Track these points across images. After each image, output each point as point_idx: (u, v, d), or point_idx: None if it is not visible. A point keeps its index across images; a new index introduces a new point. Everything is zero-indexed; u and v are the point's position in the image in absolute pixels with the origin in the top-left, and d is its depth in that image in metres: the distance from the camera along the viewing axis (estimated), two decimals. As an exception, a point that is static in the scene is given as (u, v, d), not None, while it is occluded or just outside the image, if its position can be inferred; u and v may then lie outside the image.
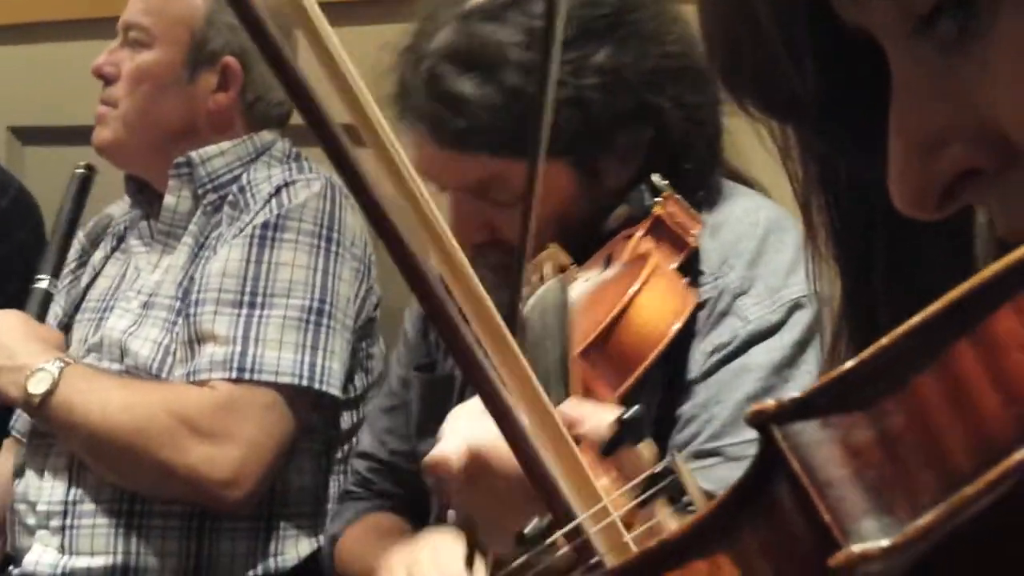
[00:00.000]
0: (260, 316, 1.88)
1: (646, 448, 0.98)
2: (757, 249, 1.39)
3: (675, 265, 1.32)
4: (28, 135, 2.87)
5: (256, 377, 1.86)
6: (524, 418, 0.48)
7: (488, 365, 0.48)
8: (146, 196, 2.14)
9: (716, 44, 0.57)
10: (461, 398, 1.58)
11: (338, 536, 1.81)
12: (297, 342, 1.88)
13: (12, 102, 2.67)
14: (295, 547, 1.97)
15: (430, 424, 1.66)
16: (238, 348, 1.86)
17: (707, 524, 0.40)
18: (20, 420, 2.11)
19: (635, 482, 0.74)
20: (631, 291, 1.21)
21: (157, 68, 2.03)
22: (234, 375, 1.85)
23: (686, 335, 1.30)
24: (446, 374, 1.66)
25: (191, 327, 1.91)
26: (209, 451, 1.84)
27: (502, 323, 0.46)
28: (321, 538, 1.96)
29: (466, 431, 1.08)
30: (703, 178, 1.46)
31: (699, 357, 1.34)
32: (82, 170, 2.17)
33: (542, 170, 1.10)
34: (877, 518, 0.36)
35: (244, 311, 1.88)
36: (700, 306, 1.35)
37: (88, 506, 1.94)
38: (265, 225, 1.92)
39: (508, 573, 0.61)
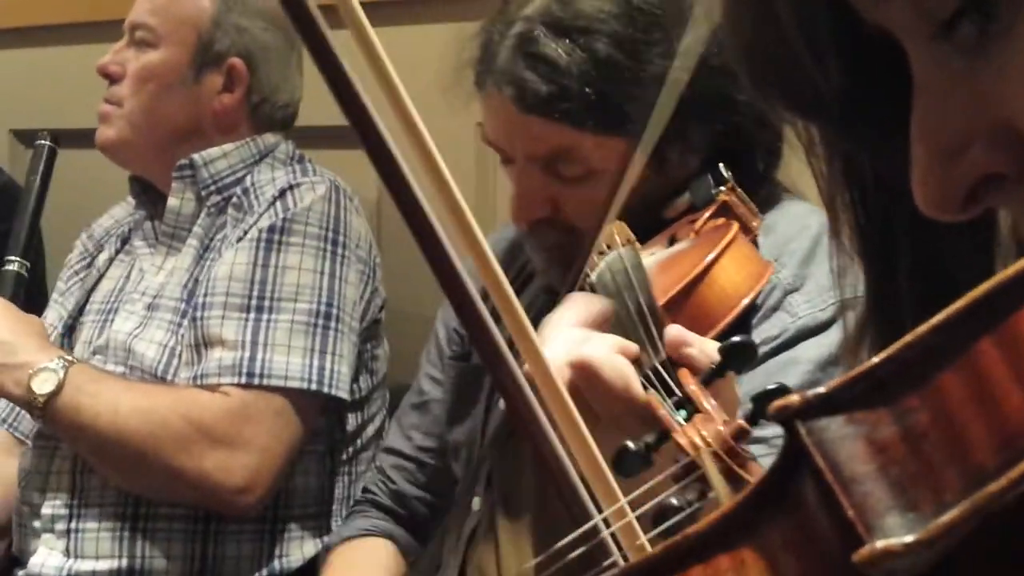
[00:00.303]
0: (268, 320, 1.88)
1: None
2: (810, 250, 1.39)
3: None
4: (31, 138, 2.88)
5: (266, 382, 1.85)
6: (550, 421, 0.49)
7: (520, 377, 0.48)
8: (150, 197, 2.14)
9: (740, 44, 0.58)
10: (492, 390, 1.60)
11: (333, 545, 1.83)
12: (305, 346, 1.88)
13: (14, 105, 2.67)
14: (300, 549, 1.97)
15: (459, 412, 1.67)
16: (247, 353, 1.86)
17: (732, 519, 0.40)
18: (24, 421, 2.12)
19: (661, 478, 0.75)
20: (716, 251, 1.21)
21: (163, 68, 2.04)
22: (243, 380, 1.85)
23: (746, 320, 1.31)
24: (479, 364, 1.63)
25: (198, 331, 1.91)
26: (223, 457, 1.84)
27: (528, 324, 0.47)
28: (326, 539, 1.96)
29: (568, 342, 1.09)
30: (762, 178, 1.46)
31: (744, 322, 1.33)
32: (45, 141, 2.16)
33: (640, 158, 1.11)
34: (901, 514, 0.36)
35: (252, 315, 1.88)
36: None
37: (93, 510, 1.93)
38: (271, 228, 1.92)
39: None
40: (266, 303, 1.89)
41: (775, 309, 1.36)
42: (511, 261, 1.65)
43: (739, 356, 0.97)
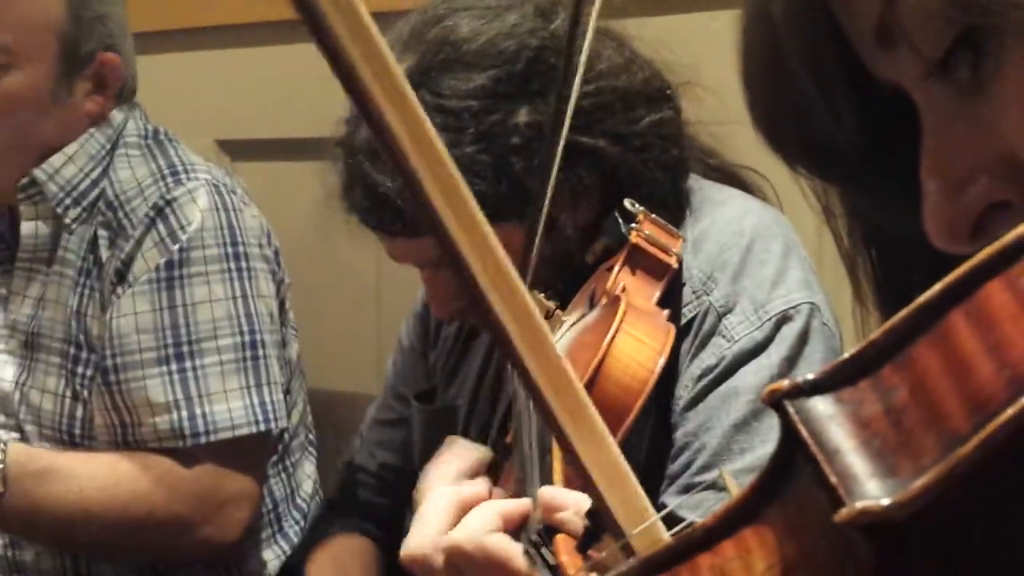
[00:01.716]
0: (194, 368, 1.73)
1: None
2: (741, 261, 1.38)
3: (657, 293, 1.30)
4: None
5: (213, 438, 1.73)
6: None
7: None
8: None
9: (758, 105, 0.62)
10: (466, 429, 1.58)
11: (314, 544, 1.78)
12: (241, 386, 1.75)
13: None
14: (257, 557, 1.90)
15: (431, 455, 1.68)
16: (184, 412, 1.72)
17: (737, 507, 0.44)
18: None
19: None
20: (606, 341, 1.19)
21: (28, 91, 1.77)
22: (189, 443, 1.72)
23: (672, 363, 1.27)
24: (449, 405, 1.64)
25: (116, 396, 1.74)
26: (215, 526, 1.76)
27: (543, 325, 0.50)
28: (282, 543, 1.93)
29: (443, 524, 1.10)
30: (669, 195, 1.43)
31: (688, 382, 1.33)
32: None
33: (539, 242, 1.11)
34: (882, 480, 0.39)
35: (175, 367, 1.73)
36: (686, 328, 1.34)
37: (28, 556, 1.84)
38: (168, 265, 1.73)
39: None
40: (185, 349, 1.73)
41: (711, 335, 1.35)
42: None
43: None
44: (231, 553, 1.83)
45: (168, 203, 1.75)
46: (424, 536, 1.10)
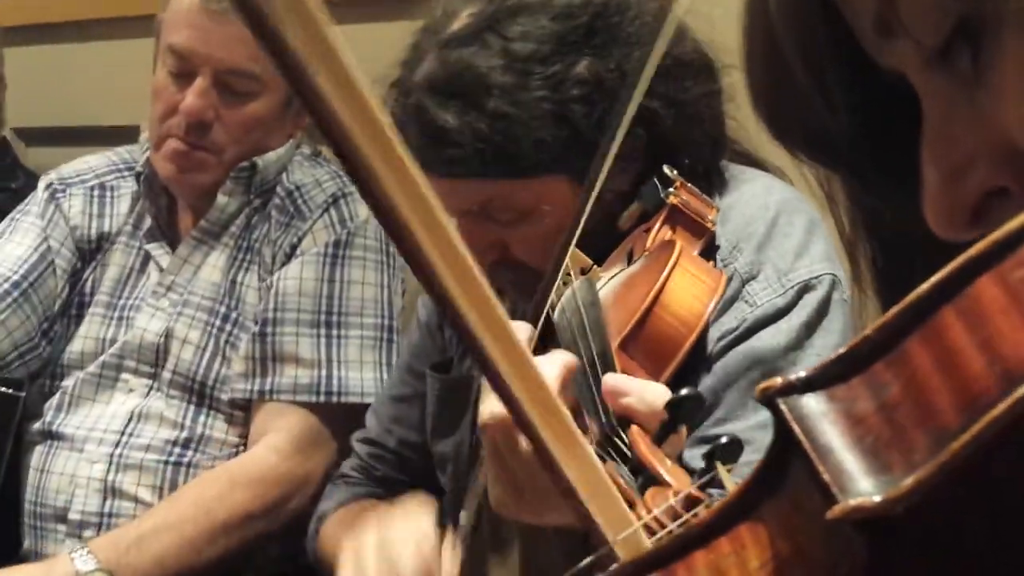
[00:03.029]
0: (340, 336, 2.01)
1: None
2: (766, 232, 1.42)
3: (697, 251, 1.35)
4: (31, 136, 2.96)
5: (343, 399, 2.00)
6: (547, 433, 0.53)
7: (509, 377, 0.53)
8: (155, 192, 2.19)
9: (757, 86, 0.63)
10: (479, 400, 1.63)
11: (326, 515, 1.83)
12: (374, 360, 2.02)
13: (15, 104, 2.71)
14: None
15: (445, 425, 1.69)
16: (323, 372, 2.00)
17: (733, 505, 0.45)
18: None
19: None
20: (662, 277, 1.23)
21: (268, 115, 2.09)
22: (322, 399, 2.00)
23: (705, 336, 1.32)
24: (464, 375, 1.69)
25: (267, 346, 2.01)
26: (299, 499, 1.98)
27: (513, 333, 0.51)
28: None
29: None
30: (708, 167, 1.48)
31: (708, 344, 1.36)
32: (5, 389, 2.04)
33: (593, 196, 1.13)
34: (875, 476, 0.40)
35: (323, 331, 2.01)
36: None
37: (124, 521, 2.01)
38: (337, 244, 2.03)
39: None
40: (335, 319, 2.02)
41: (734, 299, 1.38)
42: None
43: (688, 409, 0.98)
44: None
45: (344, 195, 2.08)
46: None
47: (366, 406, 1.96)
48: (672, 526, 0.82)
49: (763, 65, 0.62)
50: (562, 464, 0.52)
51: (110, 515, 2.03)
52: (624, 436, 1.03)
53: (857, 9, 0.57)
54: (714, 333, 1.36)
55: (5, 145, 2.68)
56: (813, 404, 0.43)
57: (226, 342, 2.05)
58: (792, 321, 1.37)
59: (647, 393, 1.04)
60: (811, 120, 0.60)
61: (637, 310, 1.22)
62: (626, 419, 1.05)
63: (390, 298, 2.06)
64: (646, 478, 0.94)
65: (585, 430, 1.10)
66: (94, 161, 2.31)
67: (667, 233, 1.36)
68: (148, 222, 2.20)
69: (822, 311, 1.38)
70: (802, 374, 0.43)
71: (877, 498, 0.40)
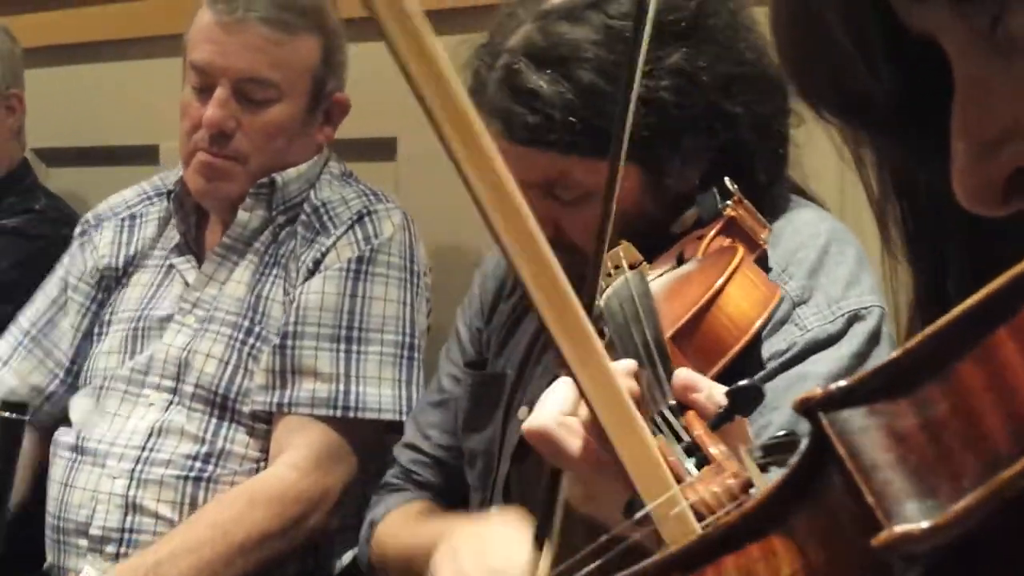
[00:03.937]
0: (360, 352, 2.03)
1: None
2: (818, 259, 1.42)
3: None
4: (51, 156, 2.97)
5: (360, 415, 2.01)
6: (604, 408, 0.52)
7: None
8: (186, 210, 2.23)
9: (788, 48, 0.61)
10: (512, 397, 1.64)
11: (377, 521, 1.83)
12: (394, 377, 2.04)
13: (36, 124, 2.73)
14: (339, 557, 2.09)
15: (477, 420, 1.70)
16: (342, 386, 2.01)
17: (763, 509, 0.43)
18: (39, 414, 2.21)
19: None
20: (723, 277, 1.24)
21: (289, 121, 2.13)
22: (339, 413, 2.01)
23: (755, 344, 1.32)
24: (497, 372, 1.70)
25: (288, 360, 2.02)
26: (318, 516, 2.00)
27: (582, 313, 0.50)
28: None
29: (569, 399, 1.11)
30: (768, 186, 1.49)
31: (757, 360, 1.36)
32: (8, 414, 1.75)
33: (622, 169, 1.14)
34: (920, 500, 0.38)
35: (343, 346, 2.02)
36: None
37: (145, 537, 2.02)
38: (360, 259, 2.05)
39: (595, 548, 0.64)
40: (355, 334, 2.03)
41: (783, 322, 1.38)
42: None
43: (746, 400, 0.99)
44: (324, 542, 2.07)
45: (369, 213, 2.10)
46: (553, 405, 1.10)
47: (385, 424, 2.01)
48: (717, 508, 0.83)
49: (796, 25, 0.60)
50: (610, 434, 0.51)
51: (130, 531, 2.03)
52: (680, 419, 1.04)
53: None
54: (763, 353, 1.37)
55: (26, 166, 2.69)
56: (856, 419, 0.41)
57: (249, 355, 2.07)
58: (843, 350, 1.37)
59: (715, 391, 1.05)
60: (846, 80, 0.58)
61: (693, 306, 1.23)
62: (683, 406, 1.06)
63: (412, 316, 2.07)
64: (699, 459, 0.95)
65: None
66: (128, 194, 2.36)
67: (724, 241, 1.37)
68: (176, 239, 2.24)
69: (873, 342, 1.39)
70: (843, 384, 0.41)
71: (925, 524, 0.38)
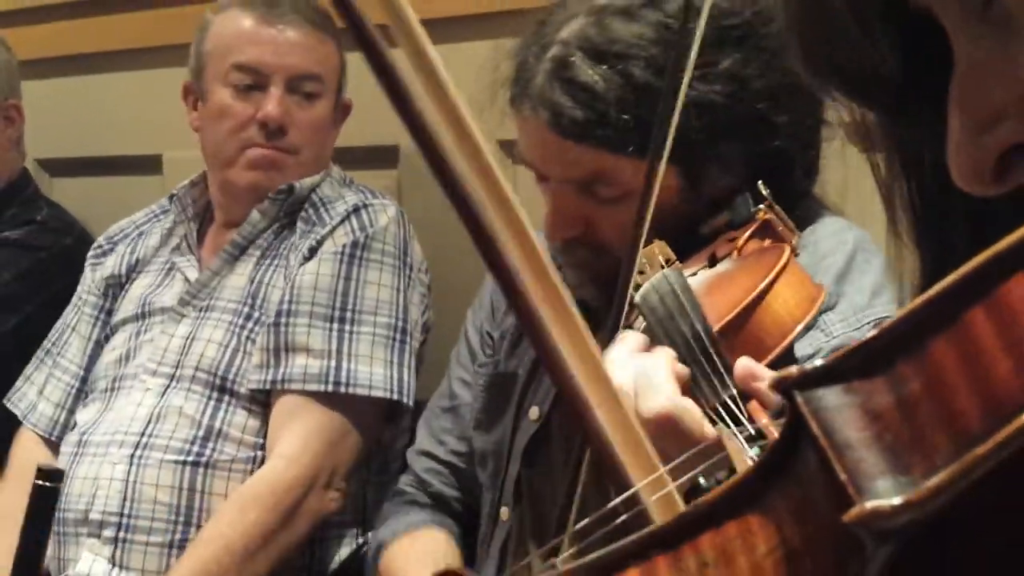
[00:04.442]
0: (352, 332, 2.09)
1: None
2: (845, 266, 1.43)
3: None
4: (55, 167, 3.00)
5: (351, 390, 2.06)
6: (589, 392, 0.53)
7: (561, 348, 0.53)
8: (197, 209, 2.35)
9: (794, 28, 0.62)
10: (523, 396, 1.65)
11: (384, 545, 1.85)
12: (385, 358, 2.09)
13: (38, 134, 2.77)
14: (337, 552, 2.14)
15: (487, 420, 1.71)
16: (333, 362, 2.07)
17: (741, 488, 0.44)
18: (43, 418, 2.30)
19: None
20: (771, 275, 1.24)
21: (330, 116, 2.27)
22: (330, 388, 2.06)
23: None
24: (509, 372, 1.71)
25: (281, 336, 2.09)
26: (316, 503, 2.04)
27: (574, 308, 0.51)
28: (359, 540, 2.14)
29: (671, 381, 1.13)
30: (801, 195, 1.50)
31: (791, 362, 1.34)
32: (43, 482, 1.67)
33: (663, 168, 1.14)
34: (892, 478, 0.39)
35: (336, 326, 2.09)
36: None
37: (143, 522, 2.06)
38: (354, 244, 2.13)
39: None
40: (348, 314, 2.10)
41: (810, 328, 1.36)
42: None
43: None
44: (322, 535, 2.11)
45: (365, 206, 2.18)
46: (664, 387, 1.11)
47: (381, 411, 2.08)
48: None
49: (803, 4, 0.61)
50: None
51: (128, 516, 2.07)
52: (744, 408, 1.06)
53: None
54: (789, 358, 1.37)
55: (26, 176, 2.71)
56: (830, 397, 0.41)
57: (248, 338, 2.14)
58: None
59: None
60: (853, 60, 0.59)
61: (740, 302, 1.23)
62: (744, 396, 1.08)
63: (405, 303, 2.14)
64: (763, 447, 0.96)
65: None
66: (139, 215, 2.47)
67: (762, 243, 1.38)
68: (176, 240, 2.34)
69: None
70: (819, 363, 0.42)
71: (896, 500, 0.39)
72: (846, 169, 1.63)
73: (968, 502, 0.39)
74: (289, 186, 2.22)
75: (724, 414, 1.06)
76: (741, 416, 1.04)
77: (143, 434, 2.11)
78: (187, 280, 2.26)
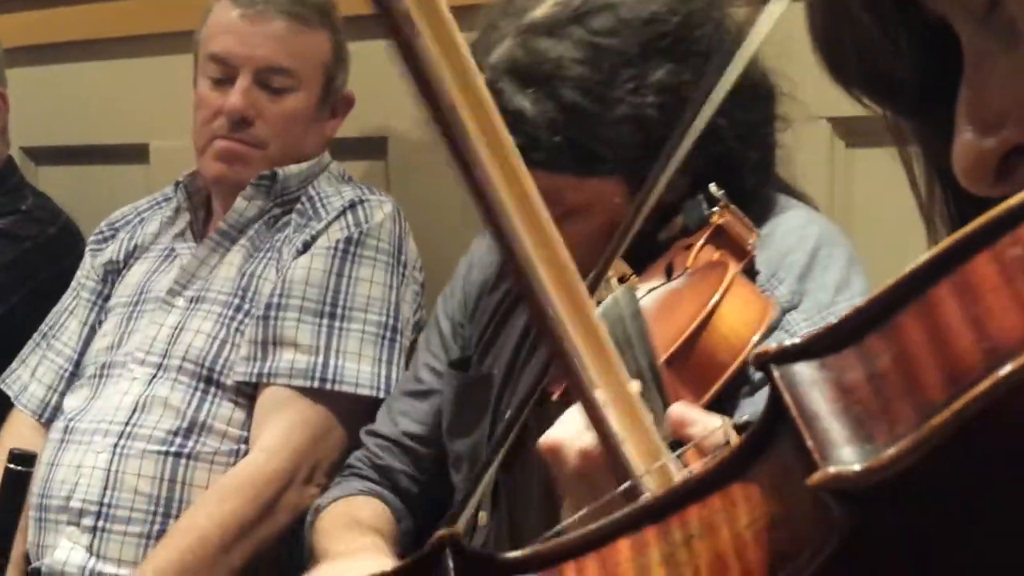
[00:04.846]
0: (341, 328, 2.10)
1: None
2: (807, 263, 1.43)
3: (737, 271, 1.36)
4: (41, 155, 3.02)
5: (337, 387, 2.07)
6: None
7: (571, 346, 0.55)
8: (195, 201, 2.36)
9: (819, 32, 0.65)
10: (499, 400, 1.65)
11: (321, 507, 1.86)
12: (373, 355, 2.10)
13: (24, 122, 2.78)
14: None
15: (463, 424, 1.71)
16: (320, 359, 2.08)
17: (728, 463, 0.47)
18: (33, 399, 2.33)
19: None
20: (714, 298, 1.24)
21: (305, 110, 2.25)
22: (316, 384, 2.07)
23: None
24: (484, 374, 1.71)
25: (269, 329, 2.10)
26: (296, 497, 2.04)
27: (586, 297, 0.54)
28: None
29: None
30: (755, 192, 1.50)
31: (750, 371, 1.35)
32: (15, 466, 1.76)
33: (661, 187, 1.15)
34: (858, 446, 0.42)
35: (326, 321, 2.10)
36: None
37: (123, 511, 2.08)
38: (348, 240, 2.14)
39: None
40: (339, 311, 2.11)
41: (774, 328, 1.38)
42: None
43: None
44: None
45: (361, 202, 2.19)
46: (569, 424, 1.14)
47: (366, 402, 2.05)
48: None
49: (825, 9, 0.64)
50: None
51: (108, 505, 2.08)
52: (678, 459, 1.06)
53: None
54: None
55: (11, 165, 2.72)
56: (805, 372, 0.44)
57: (237, 330, 2.16)
58: None
59: (710, 424, 1.06)
60: (875, 63, 0.62)
61: (685, 329, 1.23)
62: (679, 441, 1.07)
63: (397, 301, 2.15)
64: None
65: None
66: (142, 202, 2.50)
67: (711, 253, 1.38)
68: (179, 227, 2.36)
69: None
70: (796, 340, 0.45)
71: (857, 467, 0.41)
72: (832, 166, 1.65)
73: (932, 471, 0.41)
74: (272, 172, 2.23)
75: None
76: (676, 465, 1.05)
77: (127, 423, 2.13)
78: (182, 267, 2.28)
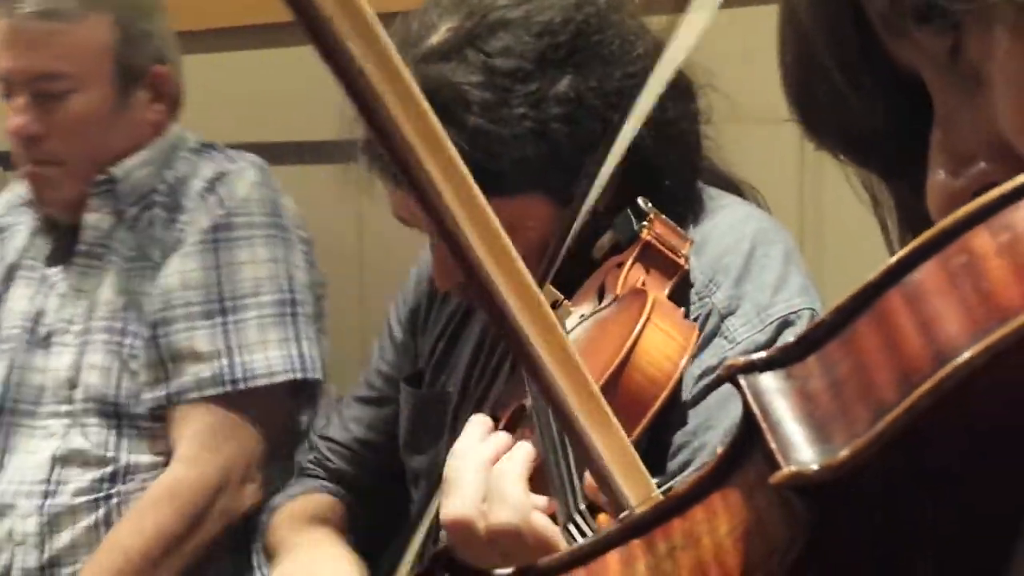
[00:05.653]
0: (236, 322, 2.01)
1: None
2: (744, 265, 1.43)
3: (667, 291, 1.37)
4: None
5: (251, 384, 2.01)
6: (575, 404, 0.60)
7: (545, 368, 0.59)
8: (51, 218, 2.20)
9: (796, 101, 0.69)
10: (456, 417, 1.64)
11: (275, 508, 1.84)
12: (279, 337, 2.03)
13: None
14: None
15: (419, 442, 1.71)
16: (225, 361, 2.00)
17: (708, 475, 0.51)
18: None
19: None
20: (633, 335, 1.24)
21: (100, 107, 2.09)
22: (229, 388, 2.00)
23: (678, 391, 1.33)
24: (441, 391, 1.70)
25: (163, 348, 2.01)
26: (231, 502, 2.01)
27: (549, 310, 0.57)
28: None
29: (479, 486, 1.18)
30: (683, 192, 1.49)
31: (688, 381, 1.36)
32: None
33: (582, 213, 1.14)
34: (819, 446, 0.46)
35: (219, 320, 2.01)
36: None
37: (67, 571, 2.03)
38: (215, 228, 2.03)
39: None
40: (228, 304, 2.02)
41: (713, 336, 1.39)
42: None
43: None
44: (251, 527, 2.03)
45: (220, 176, 2.07)
46: (464, 499, 1.18)
47: (288, 390, 2.03)
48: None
49: (798, 70, 0.67)
50: (593, 439, 0.58)
51: (52, 566, 2.04)
52: (592, 523, 1.08)
53: (870, 9, 0.63)
54: (694, 370, 1.38)
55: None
56: (770, 381, 0.48)
57: (129, 355, 2.04)
58: None
59: None
60: (848, 116, 0.66)
61: (607, 368, 1.24)
62: (597, 506, 1.09)
63: (289, 271, 2.06)
64: None
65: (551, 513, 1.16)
66: None
67: (639, 274, 1.38)
68: (47, 248, 2.22)
69: None
70: (763, 355, 0.49)
71: (815, 466, 0.45)
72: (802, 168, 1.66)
73: (889, 467, 0.45)
74: (108, 177, 2.10)
75: (578, 533, 1.08)
76: (588, 531, 1.06)
77: (49, 481, 2.05)
78: (60, 297, 2.15)
